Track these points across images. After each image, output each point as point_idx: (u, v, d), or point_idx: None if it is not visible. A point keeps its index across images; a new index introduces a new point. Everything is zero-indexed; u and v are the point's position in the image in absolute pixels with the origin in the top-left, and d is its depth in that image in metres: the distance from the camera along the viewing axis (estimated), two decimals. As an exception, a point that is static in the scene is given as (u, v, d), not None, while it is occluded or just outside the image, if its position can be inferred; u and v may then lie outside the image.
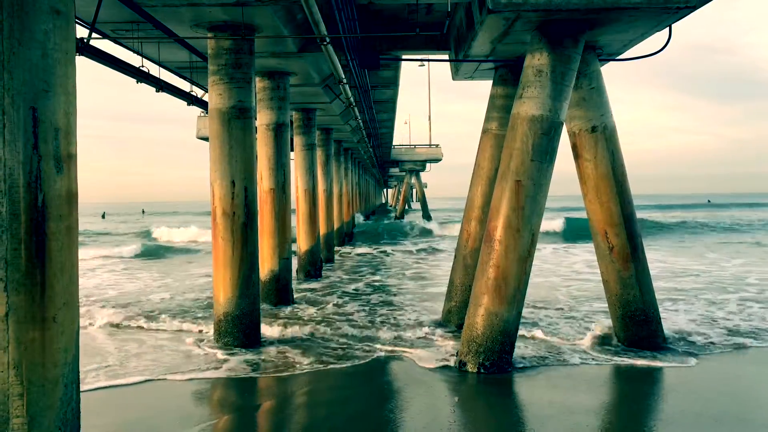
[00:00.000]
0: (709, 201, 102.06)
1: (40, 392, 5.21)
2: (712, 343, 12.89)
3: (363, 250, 35.94)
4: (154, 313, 16.60)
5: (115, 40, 13.35)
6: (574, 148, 12.97)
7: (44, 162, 5.20)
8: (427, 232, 51.70)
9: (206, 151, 13.62)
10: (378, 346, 12.78)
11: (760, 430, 8.28)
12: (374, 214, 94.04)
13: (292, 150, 23.11)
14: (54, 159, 5.28)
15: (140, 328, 14.95)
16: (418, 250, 36.43)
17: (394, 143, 62.85)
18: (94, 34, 11.19)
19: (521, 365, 11.12)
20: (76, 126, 5.64)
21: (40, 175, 5.18)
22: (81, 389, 5.87)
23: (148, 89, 15.35)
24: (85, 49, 10.96)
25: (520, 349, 11.89)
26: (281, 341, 13.28)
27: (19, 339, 5.09)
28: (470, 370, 10.78)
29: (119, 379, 10.61)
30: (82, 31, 11.40)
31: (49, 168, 5.24)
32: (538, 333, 13.51)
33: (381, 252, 35.07)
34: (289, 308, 17.01)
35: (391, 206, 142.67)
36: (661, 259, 29.80)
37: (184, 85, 18.53)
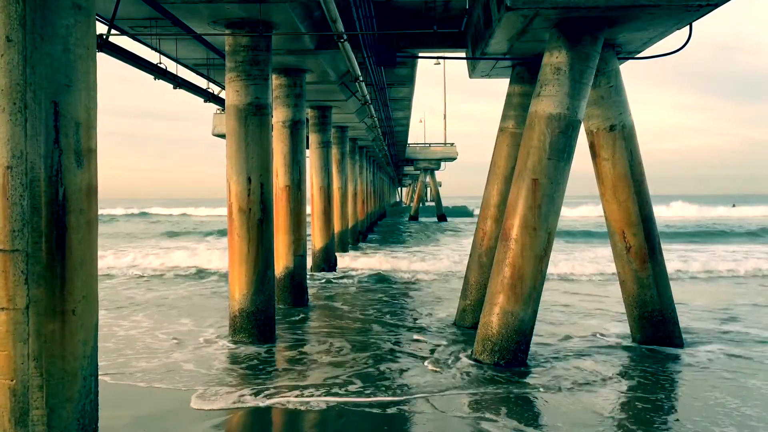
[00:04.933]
0: (734, 205, 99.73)
1: (59, 384, 5.25)
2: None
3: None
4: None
5: (134, 37, 13.44)
6: (592, 147, 12.86)
7: (65, 156, 5.24)
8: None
9: (222, 148, 13.69)
10: (393, 352, 12.77)
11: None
12: (384, 216, 79.11)
13: (307, 147, 23.18)
14: (75, 153, 5.32)
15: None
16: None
17: (409, 141, 62.75)
18: (113, 31, 11.28)
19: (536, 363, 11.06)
20: (97, 121, 5.68)
21: (61, 169, 5.22)
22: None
23: (164, 86, 15.45)
24: (104, 45, 11.07)
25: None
26: (297, 340, 13.32)
27: (39, 331, 5.14)
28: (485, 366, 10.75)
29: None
30: (101, 28, 11.49)
31: (70, 162, 5.28)
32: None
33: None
34: (303, 311, 17.05)
35: (405, 204, 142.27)
36: None
37: (201, 82, 18.62)
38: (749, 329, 14.31)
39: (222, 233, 46.79)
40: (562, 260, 26.19)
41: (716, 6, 9.81)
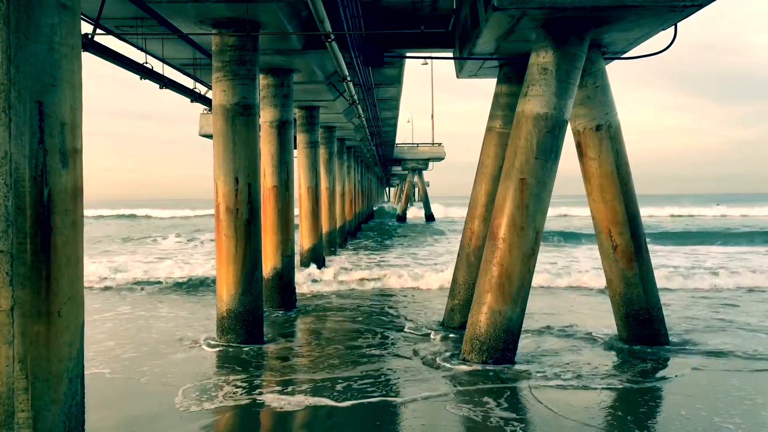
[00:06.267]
0: (718, 204, 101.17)
1: (44, 386, 5.20)
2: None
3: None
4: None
5: (119, 37, 13.34)
6: (579, 146, 12.94)
7: (50, 156, 5.19)
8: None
9: (208, 149, 13.64)
10: (382, 352, 12.77)
11: None
12: (372, 216, 75.55)
13: (295, 148, 23.13)
14: (60, 153, 5.27)
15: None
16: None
17: (397, 142, 62.80)
18: (98, 30, 11.19)
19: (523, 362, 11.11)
20: (82, 121, 5.63)
21: (46, 170, 5.17)
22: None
23: (150, 86, 15.37)
24: (89, 45, 10.97)
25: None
26: (286, 341, 13.29)
27: (24, 333, 5.09)
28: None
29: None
30: (86, 27, 11.40)
31: (55, 162, 5.23)
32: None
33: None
34: (291, 312, 17.01)
35: (391, 206, 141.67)
36: None
37: (188, 82, 18.51)
38: (738, 324, 14.45)
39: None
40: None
41: (701, 6, 9.91)
